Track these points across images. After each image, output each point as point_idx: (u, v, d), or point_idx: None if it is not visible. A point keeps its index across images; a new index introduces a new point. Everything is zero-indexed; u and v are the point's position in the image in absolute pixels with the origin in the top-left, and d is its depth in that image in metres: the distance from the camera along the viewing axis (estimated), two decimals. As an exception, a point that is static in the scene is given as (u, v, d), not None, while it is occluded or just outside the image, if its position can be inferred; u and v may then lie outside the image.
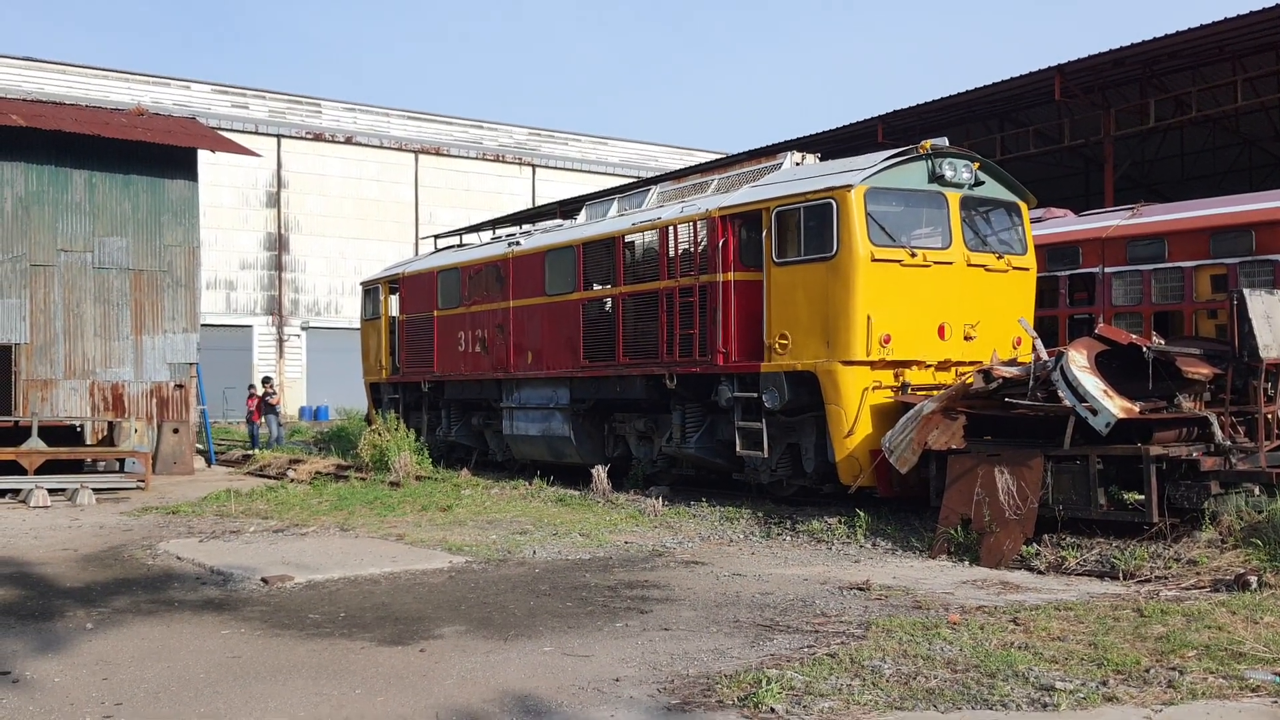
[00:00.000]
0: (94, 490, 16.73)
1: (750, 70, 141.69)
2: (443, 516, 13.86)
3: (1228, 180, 29.23)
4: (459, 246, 21.96)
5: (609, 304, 15.94)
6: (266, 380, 28.87)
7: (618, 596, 8.90)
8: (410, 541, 11.86)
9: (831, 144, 26.05)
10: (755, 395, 13.27)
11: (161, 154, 21.97)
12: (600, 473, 15.30)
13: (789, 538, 12.04)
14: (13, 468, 17.05)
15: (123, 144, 21.40)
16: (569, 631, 7.62)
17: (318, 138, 45.92)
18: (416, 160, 48.09)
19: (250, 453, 24.44)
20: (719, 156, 40.66)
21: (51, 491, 16.40)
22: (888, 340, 12.30)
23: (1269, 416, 10.24)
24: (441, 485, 16.92)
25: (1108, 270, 17.32)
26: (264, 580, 9.54)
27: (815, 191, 12.76)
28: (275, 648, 7.24)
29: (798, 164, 14.43)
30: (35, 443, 17.65)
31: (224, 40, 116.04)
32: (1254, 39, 22.52)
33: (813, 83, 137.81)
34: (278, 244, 44.90)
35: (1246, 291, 10.38)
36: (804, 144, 26.02)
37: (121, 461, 19.42)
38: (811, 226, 12.75)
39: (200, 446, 23.22)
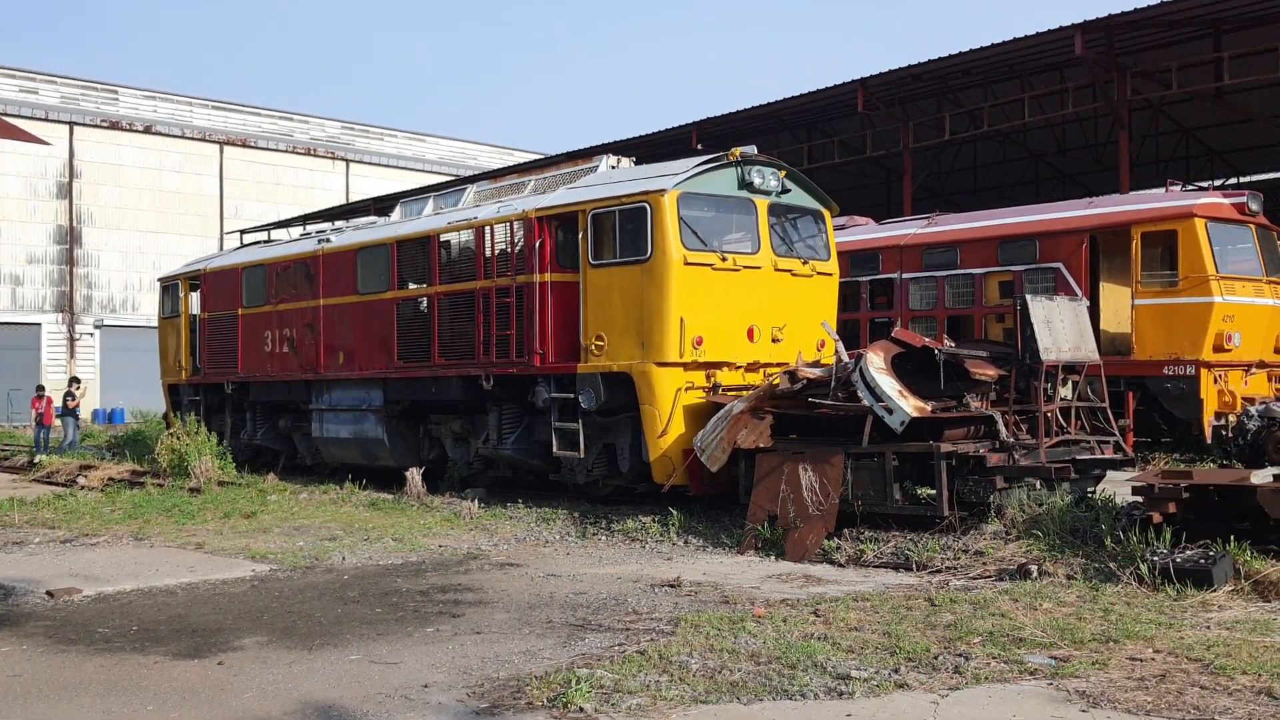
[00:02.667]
0: None
1: (571, 71, 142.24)
2: (246, 523, 13.39)
3: (1016, 192, 31.13)
4: (267, 243, 21.24)
5: (424, 304, 15.72)
6: (75, 380, 27.28)
7: (430, 601, 8.79)
8: (210, 550, 11.41)
9: (648, 148, 26.44)
10: (572, 396, 13.33)
11: (-65, 138, 20.40)
12: (415, 475, 15.07)
13: (604, 537, 12.15)
14: None
15: (-110, 126, 19.75)
16: (378, 639, 7.48)
17: (114, 126, 43.51)
18: (221, 152, 46.15)
19: (37, 459, 22.97)
20: (537, 157, 40.68)
21: None
22: (700, 342, 12.57)
23: (1049, 415, 10.95)
24: (246, 491, 16.32)
25: (905, 276, 18.19)
26: (49, 593, 9.00)
27: (630, 195, 12.92)
28: (60, 664, 6.84)
29: (613, 167, 14.58)
30: None
31: (12, 20, 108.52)
32: (1039, 59, 24.06)
33: (632, 87, 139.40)
34: (69, 237, 42.34)
35: (1029, 298, 11.09)
36: (620, 147, 26.31)
37: (-112, 470, 17.94)
38: (627, 229, 12.90)
39: (-20, 453, 21.67)
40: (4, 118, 27.32)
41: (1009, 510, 10.28)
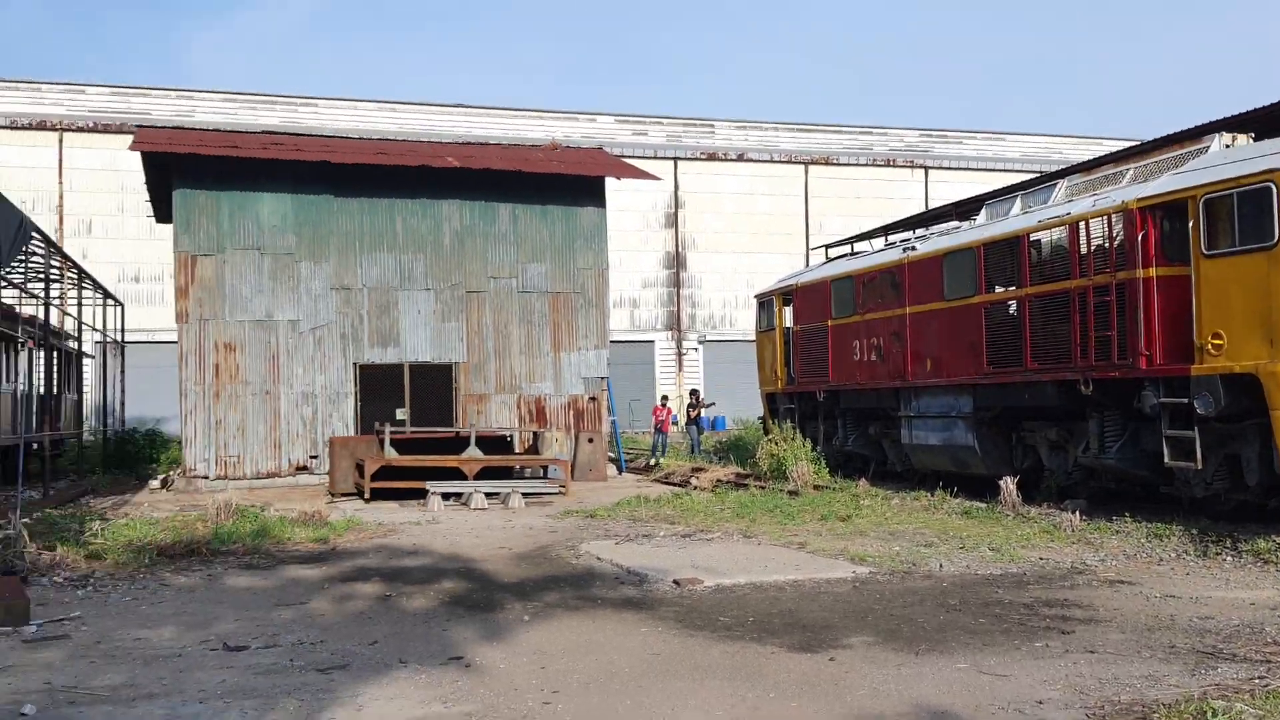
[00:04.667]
0: (523, 495, 18.26)
1: (1162, 50, 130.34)
2: (843, 526, 13.83)
3: None
4: (851, 255, 21.88)
5: (1013, 307, 15.24)
6: (694, 393, 30.21)
7: (1035, 615, 8.44)
8: (812, 550, 11.93)
9: (1269, 123, 23.31)
10: (1185, 401, 12.14)
11: (573, 184, 23.71)
12: (1009, 484, 14.63)
13: (1230, 558, 10.88)
14: (455, 473, 18.99)
15: (539, 177, 23.31)
16: (983, 649, 7.32)
17: (711, 157, 47.54)
18: (806, 171, 48.51)
19: (654, 462, 25.68)
20: (1131, 144, 37.72)
21: (487, 495, 18.08)
22: (1347, 337, 10.82)
23: None
24: (839, 495, 16.90)
25: None
26: (676, 582, 9.97)
27: (1251, 175, 11.51)
28: (690, 647, 7.53)
29: (1227, 146, 13.08)
30: (473, 451, 19.54)
31: (624, 72, 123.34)
32: None
33: (1236, 59, 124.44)
34: (676, 262, 46.93)
35: None
36: (1235, 124, 23.45)
37: (545, 468, 21.07)
38: (1247, 214, 11.51)
39: (611, 455, 24.69)
40: (622, 160, 30.98)
41: None
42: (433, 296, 22.82)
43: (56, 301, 24.04)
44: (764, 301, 23.96)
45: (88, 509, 16.77)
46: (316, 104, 43.10)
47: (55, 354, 25.76)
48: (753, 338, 25.93)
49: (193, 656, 7.46)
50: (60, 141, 39.23)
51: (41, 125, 39.07)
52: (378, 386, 22.45)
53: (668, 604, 9.17)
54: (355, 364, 22.33)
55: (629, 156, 39.76)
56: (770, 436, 20.69)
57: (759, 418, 26.31)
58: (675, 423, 29.76)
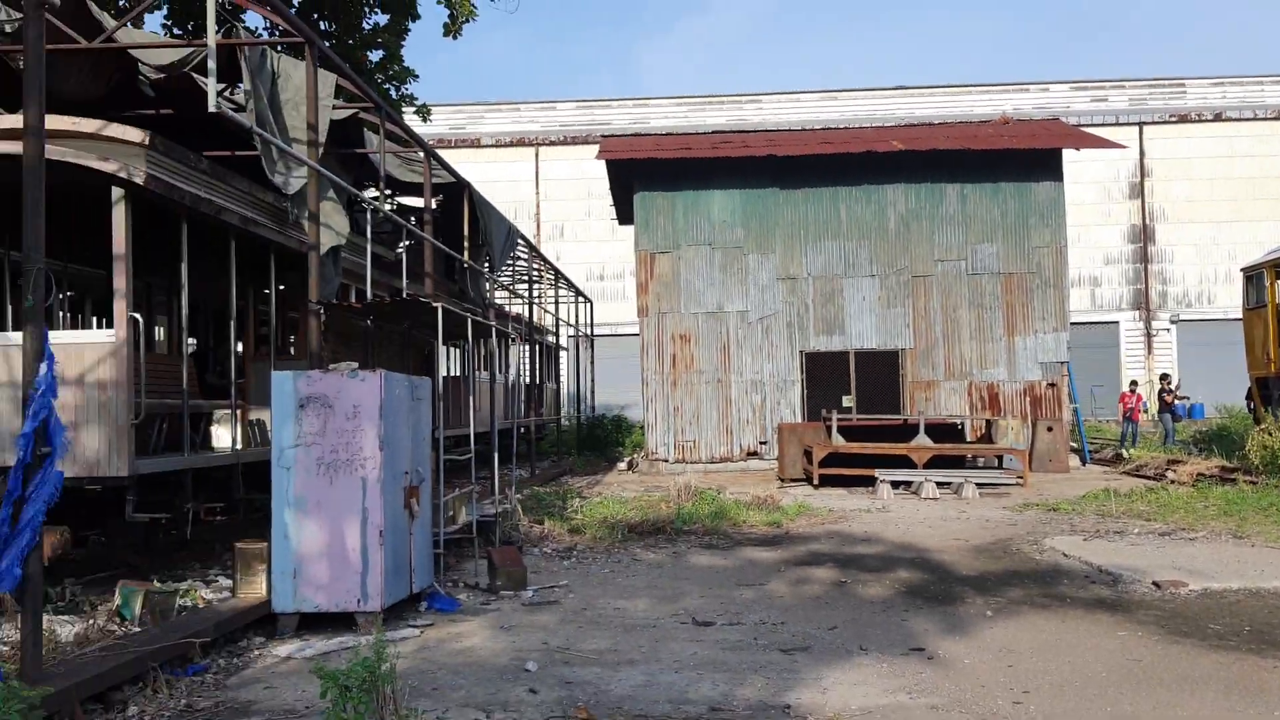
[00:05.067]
0: (976, 485, 17.65)
1: None
2: (1360, 529, 12.04)
3: None
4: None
5: None
6: (1164, 377, 27.90)
7: None
8: (1321, 555, 10.51)
9: None
10: None
11: (1026, 159, 22.54)
12: None
13: None
14: (904, 461, 18.75)
15: (989, 154, 22.38)
16: None
17: (1182, 119, 43.21)
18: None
19: (1123, 453, 23.80)
20: None
21: (938, 485, 17.67)
22: None
23: None
24: (1354, 493, 14.73)
25: None
26: (1156, 584, 9.17)
27: None
28: (1175, 656, 6.90)
29: None
30: (922, 439, 19.19)
31: (1081, 38, 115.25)
32: None
33: None
34: (1142, 235, 43.19)
35: None
36: None
37: (999, 458, 20.24)
38: None
39: (1073, 445, 23.23)
40: (1081, 129, 28.99)
41: None
42: (877, 283, 22.69)
43: (537, 300, 26.61)
44: (1252, 275, 21.42)
45: (567, 487, 18.43)
46: (760, 100, 44.28)
47: (537, 347, 28.56)
48: (1238, 316, 23.22)
49: (665, 628, 7.96)
50: (536, 155, 43.37)
51: (520, 141, 43.43)
52: (823, 374, 22.70)
53: (1146, 607, 8.46)
54: (801, 352, 22.72)
55: (1087, 125, 37.17)
56: (1262, 425, 18.45)
57: (1247, 403, 23.62)
58: (1146, 410, 27.32)
